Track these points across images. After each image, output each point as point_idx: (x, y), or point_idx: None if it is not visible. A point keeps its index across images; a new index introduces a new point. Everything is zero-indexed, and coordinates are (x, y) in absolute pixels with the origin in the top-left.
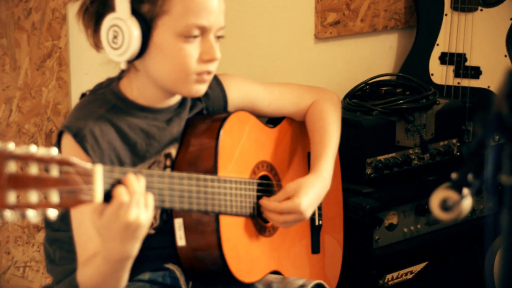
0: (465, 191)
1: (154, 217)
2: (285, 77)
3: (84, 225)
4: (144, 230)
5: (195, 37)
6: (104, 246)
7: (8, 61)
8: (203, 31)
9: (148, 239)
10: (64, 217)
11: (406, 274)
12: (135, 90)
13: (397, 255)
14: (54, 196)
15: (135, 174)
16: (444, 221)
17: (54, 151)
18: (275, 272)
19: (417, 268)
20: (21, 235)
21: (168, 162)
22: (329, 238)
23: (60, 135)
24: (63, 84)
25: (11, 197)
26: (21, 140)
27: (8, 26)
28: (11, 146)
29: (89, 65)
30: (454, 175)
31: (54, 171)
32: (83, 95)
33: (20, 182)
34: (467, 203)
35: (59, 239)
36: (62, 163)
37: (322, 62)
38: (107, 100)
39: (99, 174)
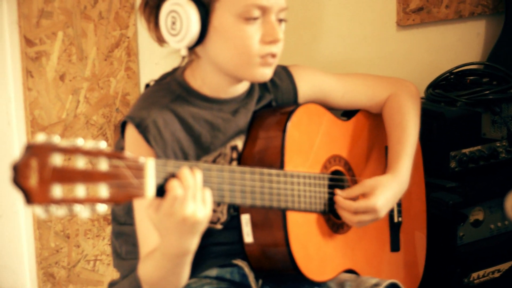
0: None
1: (221, 212)
2: (365, 67)
3: (146, 219)
4: (202, 226)
5: (255, 18)
6: (162, 241)
7: (74, 51)
8: (264, 11)
9: (215, 235)
10: (130, 211)
11: (493, 272)
12: (199, 79)
13: (483, 252)
14: (103, 191)
15: (190, 168)
16: None
17: (103, 144)
18: (350, 271)
19: (504, 266)
20: (91, 228)
21: (235, 155)
22: (410, 236)
23: (123, 126)
24: (131, 74)
25: (56, 191)
26: (89, 132)
27: (74, 15)
28: (56, 139)
29: (158, 54)
30: None
31: (103, 165)
32: (147, 85)
33: (66, 175)
34: None
35: (125, 233)
36: (111, 156)
37: (404, 51)
38: (171, 90)
39: (150, 168)
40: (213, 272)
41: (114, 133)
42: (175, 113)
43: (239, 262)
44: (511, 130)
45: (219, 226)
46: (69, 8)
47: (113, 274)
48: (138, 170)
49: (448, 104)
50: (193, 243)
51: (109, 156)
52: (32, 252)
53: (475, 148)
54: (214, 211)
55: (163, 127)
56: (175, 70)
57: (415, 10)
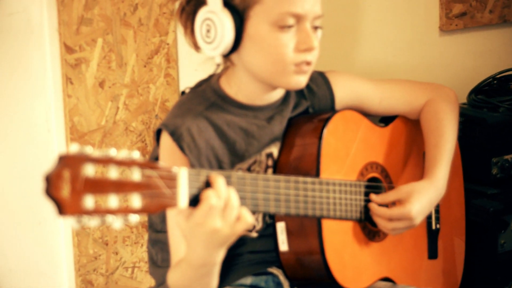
0: None
1: (257, 220)
2: (407, 73)
3: (175, 229)
4: (230, 240)
5: (290, 26)
6: (188, 250)
7: (114, 58)
8: (298, 19)
9: (251, 243)
10: (166, 219)
11: None
12: (234, 86)
13: None
14: (136, 201)
15: (224, 177)
16: None
17: (136, 154)
18: (386, 279)
19: None
20: (130, 235)
21: (270, 162)
22: (449, 243)
23: (158, 133)
24: (171, 80)
25: (88, 201)
26: (128, 138)
27: (114, 22)
28: (89, 149)
29: (198, 61)
30: None
31: (136, 175)
32: (183, 92)
33: (99, 186)
34: None
35: (161, 241)
36: (144, 166)
37: (447, 56)
38: (206, 97)
39: (183, 178)
40: (248, 280)
41: (153, 140)
42: (209, 121)
43: (274, 270)
44: None
45: (254, 234)
46: (108, 15)
47: (151, 281)
48: (171, 180)
49: (491, 110)
50: (219, 255)
51: (141, 166)
52: (71, 259)
53: None
54: (256, 215)
55: (197, 134)
56: (210, 77)
57: (458, 15)
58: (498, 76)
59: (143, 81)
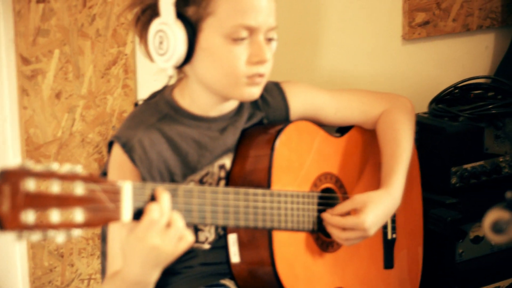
0: None
1: (209, 231)
2: (369, 82)
3: (116, 240)
4: (167, 260)
5: (242, 39)
6: (125, 265)
7: (71, 69)
8: (251, 32)
9: (202, 254)
10: None
11: None
12: (187, 97)
13: (483, 269)
14: (78, 215)
15: (170, 191)
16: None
17: (78, 168)
18: None
19: (505, 283)
20: (85, 247)
21: (223, 174)
22: (406, 252)
23: (111, 145)
24: (129, 91)
25: (28, 217)
26: (84, 150)
27: (71, 33)
28: (29, 164)
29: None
30: (509, 194)
31: (79, 189)
32: (136, 104)
33: (40, 201)
34: None
35: None
36: (87, 180)
37: (409, 65)
38: (159, 109)
39: (127, 192)
40: None
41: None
42: (162, 132)
43: (226, 282)
44: None
45: (206, 246)
46: (66, 26)
47: None
48: (115, 194)
49: (451, 119)
50: (154, 275)
51: (85, 180)
52: (26, 271)
53: (477, 163)
54: (202, 230)
55: (149, 147)
56: (164, 89)
57: (421, 23)
58: (460, 85)
59: (101, 92)
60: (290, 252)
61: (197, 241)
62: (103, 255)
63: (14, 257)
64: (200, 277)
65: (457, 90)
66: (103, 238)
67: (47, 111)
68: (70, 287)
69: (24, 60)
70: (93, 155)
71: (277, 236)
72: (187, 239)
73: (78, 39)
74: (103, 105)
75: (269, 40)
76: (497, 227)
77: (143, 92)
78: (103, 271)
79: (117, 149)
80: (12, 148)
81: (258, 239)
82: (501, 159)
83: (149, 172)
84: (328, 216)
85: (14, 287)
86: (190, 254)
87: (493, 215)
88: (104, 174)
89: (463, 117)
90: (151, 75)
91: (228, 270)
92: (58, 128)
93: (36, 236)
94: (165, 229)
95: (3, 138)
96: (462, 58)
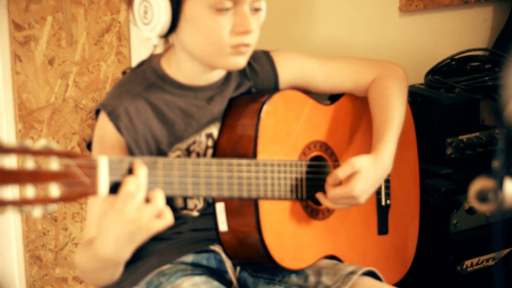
0: (508, 180)
1: (198, 199)
2: (365, 53)
3: (94, 207)
4: (142, 236)
5: (227, 9)
6: (98, 238)
7: (64, 36)
8: (236, 2)
9: (192, 221)
10: None
11: (487, 260)
12: (174, 66)
13: (477, 240)
14: (53, 190)
15: (148, 164)
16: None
17: (53, 144)
18: (332, 257)
19: (499, 254)
20: (79, 211)
21: (210, 143)
22: (401, 219)
23: (97, 113)
24: (122, 59)
25: (2, 193)
26: (78, 116)
27: (64, 0)
28: (2, 141)
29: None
30: (495, 164)
31: (54, 165)
32: (123, 72)
33: (13, 177)
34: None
35: None
36: (62, 155)
37: (406, 37)
38: (146, 78)
39: (103, 166)
40: (189, 258)
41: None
42: (148, 101)
43: (216, 248)
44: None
45: (195, 213)
46: None
47: None
48: (91, 169)
49: (447, 91)
50: (126, 252)
51: (59, 155)
52: (19, 235)
53: (473, 134)
54: (191, 198)
55: (135, 115)
56: (152, 57)
57: None
58: (456, 57)
59: (94, 59)
60: (277, 220)
61: (186, 208)
62: None
63: (8, 221)
64: (190, 243)
65: (453, 62)
66: None
67: (40, 77)
68: (64, 251)
69: (16, 26)
70: (87, 121)
71: (264, 205)
72: (166, 218)
73: (71, 6)
74: (96, 72)
75: (256, 10)
76: (482, 196)
77: (137, 59)
78: None
79: (103, 117)
80: (5, 113)
81: (245, 208)
82: (497, 131)
83: (135, 141)
84: (321, 197)
85: (8, 250)
86: (179, 220)
87: (478, 185)
88: (91, 141)
89: (459, 88)
90: (144, 43)
91: (217, 236)
92: (51, 93)
93: (11, 211)
94: (143, 204)
95: None
96: (460, 31)
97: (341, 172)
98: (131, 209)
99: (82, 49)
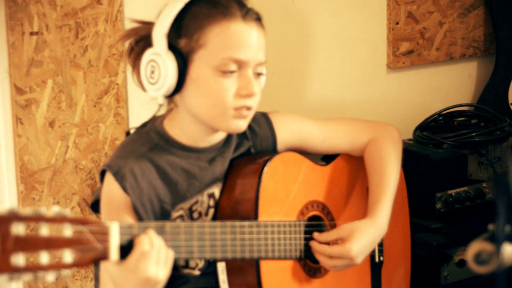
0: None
1: (199, 259)
2: (355, 110)
3: (106, 265)
4: (162, 285)
5: (232, 72)
6: None
7: (64, 99)
8: (241, 65)
9: (194, 280)
10: None
11: None
12: (177, 127)
13: None
14: (67, 256)
15: (157, 229)
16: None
17: (67, 211)
18: None
19: None
20: (79, 269)
21: (212, 202)
22: (394, 275)
23: (102, 174)
24: (121, 120)
25: (18, 260)
26: (78, 176)
27: (64, 63)
28: (18, 209)
29: (148, 100)
30: (491, 227)
31: (67, 231)
32: (127, 133)
33: (29, 244)
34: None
35: None
36: (75, 222)
37: (394, 94)
38: (150, 139)
39: (114, 232)
40: None
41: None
42: (152, 162)
43: None
44: (497, 171)
45: (197, 272)
46: (58, 57)
47: None
48: (103, 235)
49: (435, 146)
50: None
51: (72, 222)
52: None
53: (461, 189)
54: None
55: (140, 175)
56: (155, 118)
57: (405, 53)
58: (443, 112)
59: (93, 120)
60: (278, 279)
61: (188, 267)
62: (96, 279)
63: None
64: None
65: (441, 118)
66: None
67: (41, 139)
68: None
69: (18, 90)
70: (86, 181)
71: (265, 265)
72: (170, 260)
73: (70, 70)
74: (95, 133)
75: (258, 74)
76: (480, 259)
77: (135, 120)
78: None
79: (109, 178)
80: (7, 175)
81: (246, 267)
82: (484, 185)
83: (140, 200)
84: (315, 244)
85: None
86: (182, 279)
87: (475, 247)
88: (96, 201)
89: (447, 144)
90: (142, 104)
91: None
92: (52, 155)
93: (26, 277)
94: (158, 258)
95: None
96: (446, 86)
97: (327, 235)
98: (146, 266)
99: (81, 111)
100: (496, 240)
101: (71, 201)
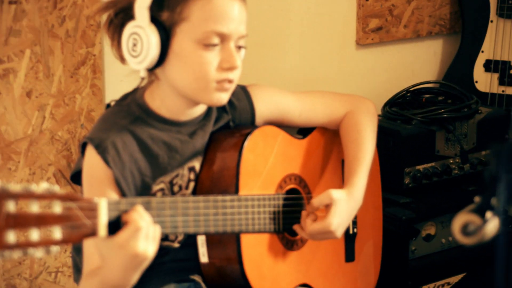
0: (488, 215)
1: (183, 234)
2: (325, 85)
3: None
4: (147, 263)
5: (214, 45)
6: (105, 269)
7: (41, 69)
8: (223, 38)
9: (173, 252)
10: None
11: (443, 285)
12: (158, 100)
13: (434, 266)
14: (56, 233)
15: (143, 204)
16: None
17: (56, 188)
18: (305, 285)
19: (454, 279)
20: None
21: (192, 176)
22: (366, 246)
23: (83, 146)
24: (97, 91)
25: (10, 237)
26: (54, 147)
27: (42, 33)
28: (9, 186)
29: (123, 72)
30: (477, 199)
31: (57, 208)
32: (108, 105)
33: (20, 221)
34: (492, 226)
35: None
36: (64, 199)
37: (363, 69)
38: (131, 112)
39: (103, 208)
40: (171, 287)
41: (78, 151)
42: (133, 135)
43: (196, 277)
44: (463, 148)
45: (176, 245)
46: (37, 27)
47: (74, 286)
48: (91, 211)
49: (404, 122)
50: (134, 278)
51: (62, 198)
52: None
53: (429, 164)
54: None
55: (121, 148)
56: (136, 91)
57: (374, 29)
58: (411, 89)
59: (70, 91)
60: (257, 252)
61: (167, 239)
62: (75, 250)
63: None
64: (171, 273)
65: (408, 94)
66: None
67: (18, 109)
68: (38, 279)
69: None
70: (62, 152)
71: (245, 238)
72: (158, 232)
73: (48, 40)
74: (72, 104)
75: (239, 47)
76: (467, 230)
77: (111, 91)
78: (75, 266)
79: (90, 151)
80: None
81: (226, 241)
82: (451, 161)
83: (122, 173)
84: (299, 229)
85: None
86: (161, 251)
87: (461, 219)
88: (74, 173)
89: (416, 120)
90: (118, 76)
91: (198, 266)
92: (29, 125)
93: (17, 254)
94: (147, 234)
95: None
96: (413, 63)
97: (317, 201)
98: (137, 242)
99: (58, 81)
100: (480, 211)
101: (47, 172)
